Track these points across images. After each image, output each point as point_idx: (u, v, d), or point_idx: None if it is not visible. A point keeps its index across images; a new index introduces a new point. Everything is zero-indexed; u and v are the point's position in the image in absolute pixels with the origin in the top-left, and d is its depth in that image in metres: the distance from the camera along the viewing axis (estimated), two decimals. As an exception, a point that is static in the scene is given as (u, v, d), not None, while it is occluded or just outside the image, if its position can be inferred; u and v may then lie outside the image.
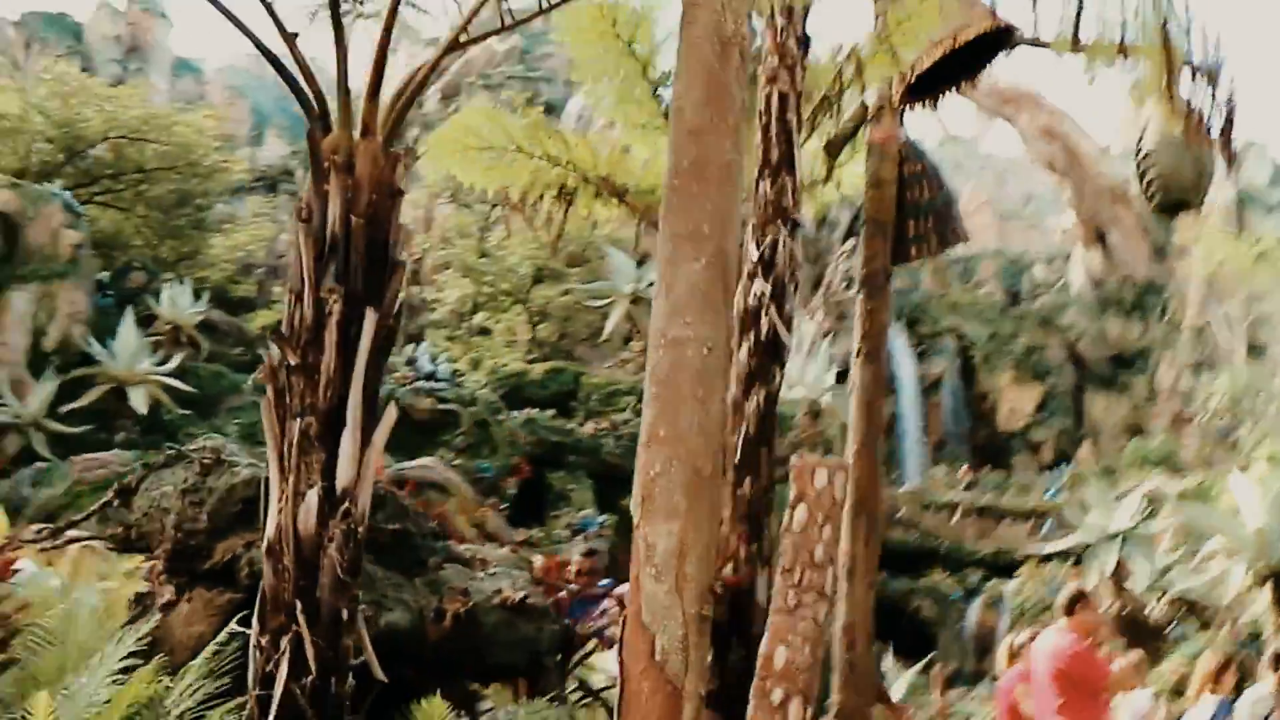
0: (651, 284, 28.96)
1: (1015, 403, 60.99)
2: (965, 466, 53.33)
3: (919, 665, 22.74)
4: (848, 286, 44.18)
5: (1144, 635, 24.34)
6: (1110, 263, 65.35)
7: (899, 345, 62.61)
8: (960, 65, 9.01)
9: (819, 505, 4.00)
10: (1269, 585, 16.94)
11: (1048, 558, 32.79)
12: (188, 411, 26.44)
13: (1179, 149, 10.00)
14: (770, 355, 7.58)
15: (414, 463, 25.96)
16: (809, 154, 10.26)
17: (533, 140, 10.60)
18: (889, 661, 23.35)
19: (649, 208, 10.16)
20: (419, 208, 47.26)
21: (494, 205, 39.50)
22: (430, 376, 29.39)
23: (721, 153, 3.95)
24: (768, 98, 8.67)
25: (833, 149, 9.72)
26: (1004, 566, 37.00)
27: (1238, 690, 11.38)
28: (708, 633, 3.78)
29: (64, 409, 28.26)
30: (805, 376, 35.30)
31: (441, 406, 28.54)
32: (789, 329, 7.85)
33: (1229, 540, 17.61)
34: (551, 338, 39.87)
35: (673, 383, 3.90)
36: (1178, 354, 60.18)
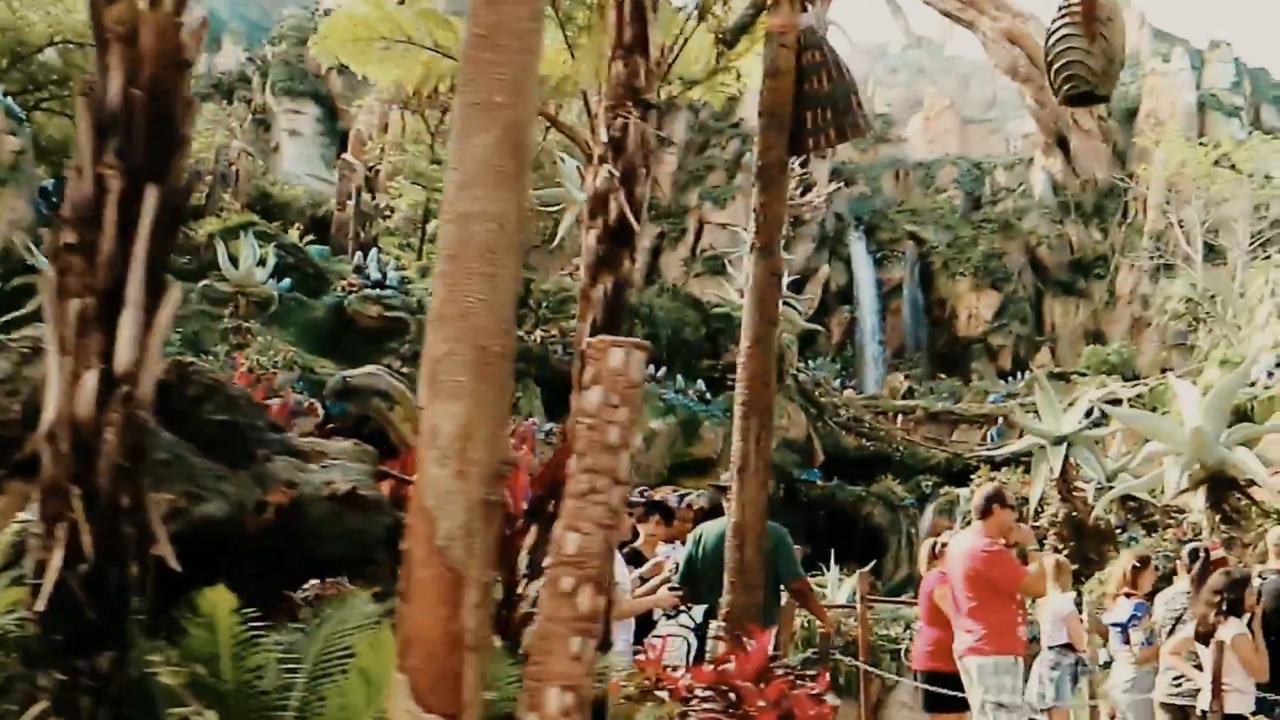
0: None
1: (974, 309, 60.98)
2: (902, 375, 53.46)
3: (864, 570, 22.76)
4: (801, 192, 43.78)
5: (1094, 538, 24.36)
6: (1071, 168, 65.13)
7: (857, 252, 62.61)
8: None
9: (614, 386, 3.74)
10: (1204, 488, 16.93)
11: (1001, 463, 32.83)
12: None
13: (1089, 36, 9.74)
14: (619, 241, 7.27)
15: (358, 370, 25.43)
16: (705, 43, 9.88)
17: (422, 30, 10.11)
18: (832, 567, 23.31)
19: (545, 101, 9.75)
20: (372, 113, 46.65)
21: (444, 111, 38.92)
22: (378, 284, 28.94)
23: (518, 19, 3.65)
24: (617, -26, 8.33)
25: (728, 38, 9.34)
26: (958, 473, 37.04)
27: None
28: (496, 518, 3.54)
29: (5, 318, 27.81)
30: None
31: (389, 314, 28.14)
32: (638, 216, 7.54)
33: (1167, 442, 17.55)
34: (507, 245, 39.37)
35: (460, 259, 3.64)
36: (1137, 259, 60.19)
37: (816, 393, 41.18)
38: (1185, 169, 52.75)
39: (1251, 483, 16.86)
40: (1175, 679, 9.95)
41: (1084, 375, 45.95)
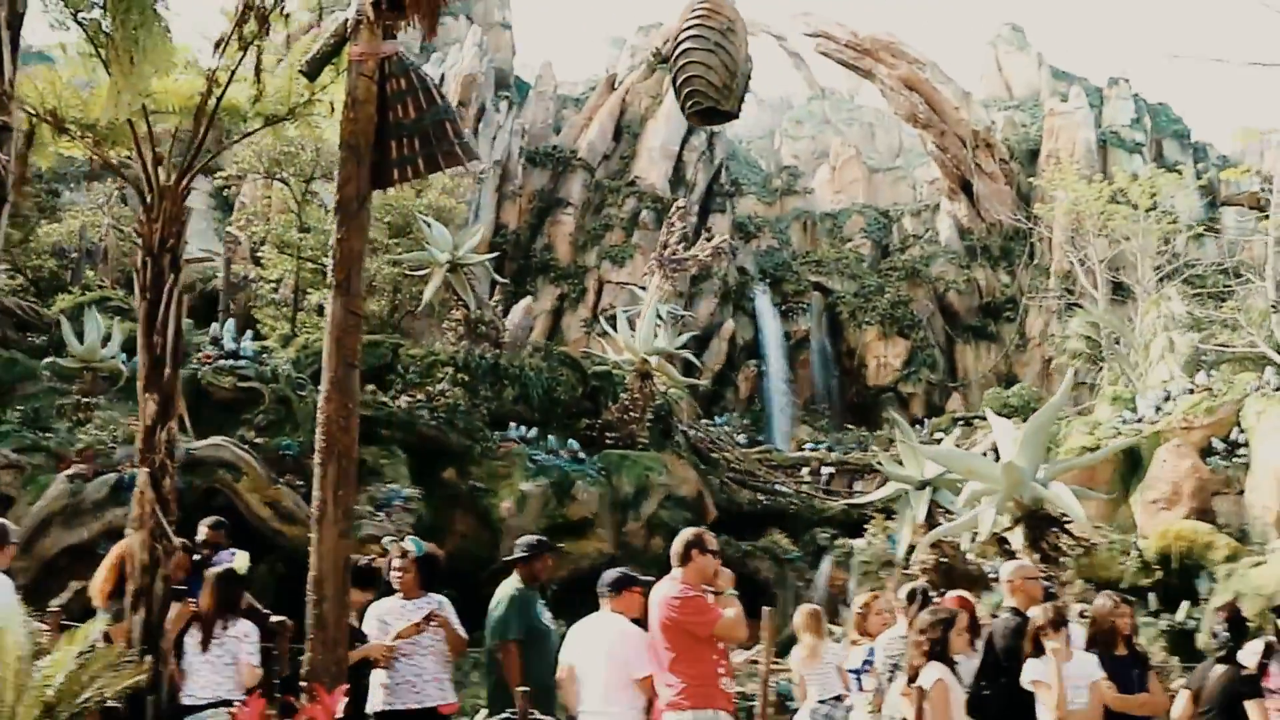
0: (473, 251, 27.71)
1: (883, 357, 60.77)
2: (803, 430, 53.16)
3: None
4: (685, 246, 43.40)
5: (965, 582, 23.83)
6: (976, 211, 65.29)
7: (763, 304, 62.38)
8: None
9: None
10: (1021, 525, 16.41)
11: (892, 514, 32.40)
12: (-33, 399, 25.30)
13: (710, 49, 9.34)
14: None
15: (203, 442, 24.90)
16: (285, 75, 9.39)
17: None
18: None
19: (99, 141, 9.19)
20: (255, 184, 45.96)
21: (309, 179, 38.36)
22: (233, 355, 28.23)
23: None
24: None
25: (311, 69, 8.80)
26: (855, 523, 36.54)
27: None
28: None
29: None
30: (637, 339, 34.47)
31: (243, 384, 27.42)
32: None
33: (983, 481, 17.03)
34: (382, 311, 38.82)
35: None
36: (1045, 300, 60.26)
37: (708, 449, 40.58)
38: (1080, 207, 52.81)
39: (1067, 519, 16.36)
40: (902, 723, 9.35)
41: (984, 419, 45.62)
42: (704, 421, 49.20)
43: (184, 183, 8.52)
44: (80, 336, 26.89)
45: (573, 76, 78.82)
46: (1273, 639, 9.89)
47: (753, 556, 33.99)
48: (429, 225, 34.51)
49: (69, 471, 22.43)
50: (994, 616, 9.84)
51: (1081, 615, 12.43)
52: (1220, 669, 9.59)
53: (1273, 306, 41.24)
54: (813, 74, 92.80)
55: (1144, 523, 29.48)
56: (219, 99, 8.54)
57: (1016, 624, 9.72)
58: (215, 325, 30.77)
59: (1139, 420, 34.48)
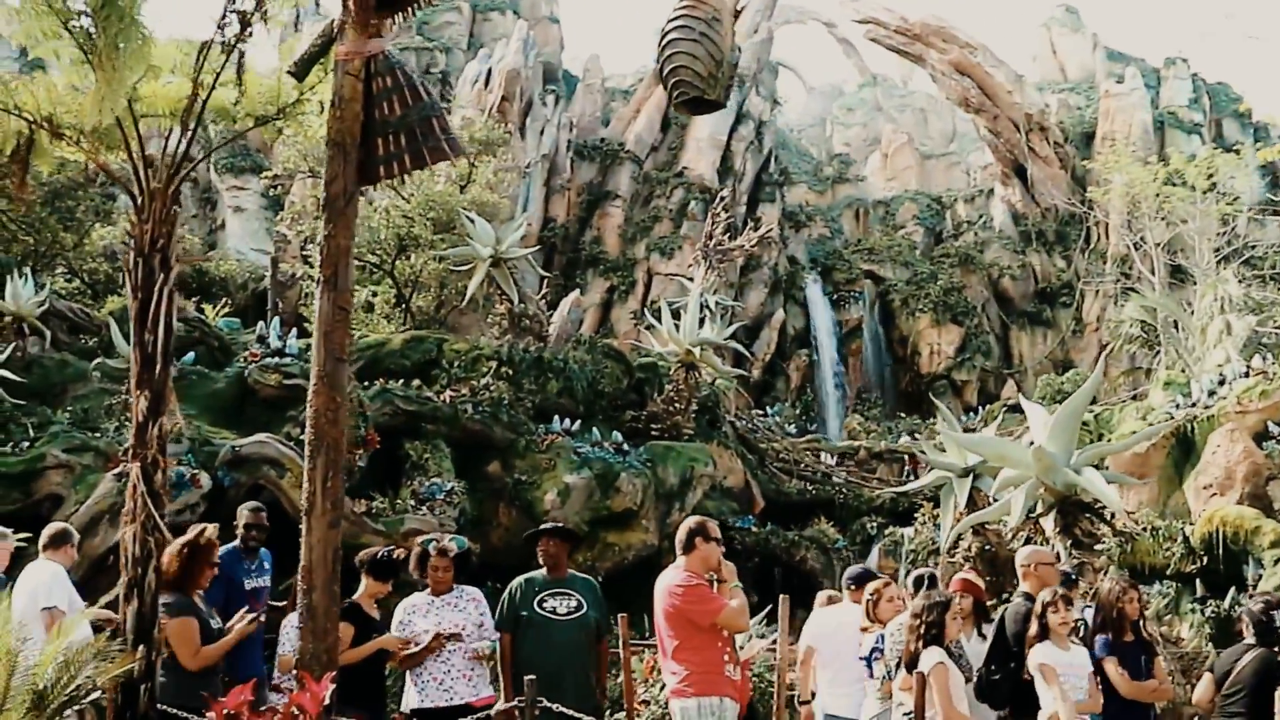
0: (512, 246, 27.78)
1: (936, 345, 60.34)
2: (855, 419, 52.87)
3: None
4: (730, 236, 43.33)
5: (1010, 570, 23.71)
6: (1031, 196, 64.73)
7: (814, 293, 62.16)
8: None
9: None
10: (1054, 512, 16.26)
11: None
12: (21, 401, 25.65)
13: (695, 39, 9.16)
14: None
15: (248, 439, 25.21)
16: (273, 79, 9.51)
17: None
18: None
19: (95, 148, 9.30)
20: (305, 184, 46.27)
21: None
22: (278, 353, 28.48)
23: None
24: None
25: (299, 70, 8.91)
26: (903, 512, 36.39)
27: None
28: None
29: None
30: (682, 330, 34.48)
31: (288, 382, 27.61)
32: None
33: (1015, 467, 16.88)
34: (429, 307, 39.01)
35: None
36: (1102, 285, 59.68)
37: (755, 439, 40.53)
38: (1136, 190, 52.28)
39: (1101, 505, 16.20)
40: (906, 713, 9.33)
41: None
42: (754, 412, 49.15)
43: (173, 185, 8.62)
44: (128, 338, 27.10)
45: (621, 69, 78.90)
46: None
47: (799, 546, 33.90)
48: (471, 220, 34.62)
49: (116, 470, 22.67)
50: (1005, 602, 9.80)
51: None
52: (1254, 654, 9.49)
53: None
54: (863, 60, 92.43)
55: (1196, 509, 29.07)
56: (204, 102, 8.63)
57: (1027, 609, 9.70)
58: (261, 324, 31.04)
59: (1193, 404, 34.04)
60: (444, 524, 25.77)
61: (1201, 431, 31.90)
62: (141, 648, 7.91)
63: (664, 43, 8.09)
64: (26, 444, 23.35)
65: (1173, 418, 33.14)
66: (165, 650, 8.44)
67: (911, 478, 37.47)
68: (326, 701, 6.04)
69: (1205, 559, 23.37)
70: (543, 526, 10.95)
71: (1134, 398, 43.08)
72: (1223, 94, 69.52)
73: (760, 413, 49.99)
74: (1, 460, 22.79)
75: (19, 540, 12.28)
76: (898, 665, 9.34)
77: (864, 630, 10.70)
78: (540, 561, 10.51)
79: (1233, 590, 22.43)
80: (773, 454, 40.20)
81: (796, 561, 33.45)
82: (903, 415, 54.09)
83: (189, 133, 8.70)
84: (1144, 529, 24.01)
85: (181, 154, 8.63)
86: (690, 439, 33.77)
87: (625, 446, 31.35)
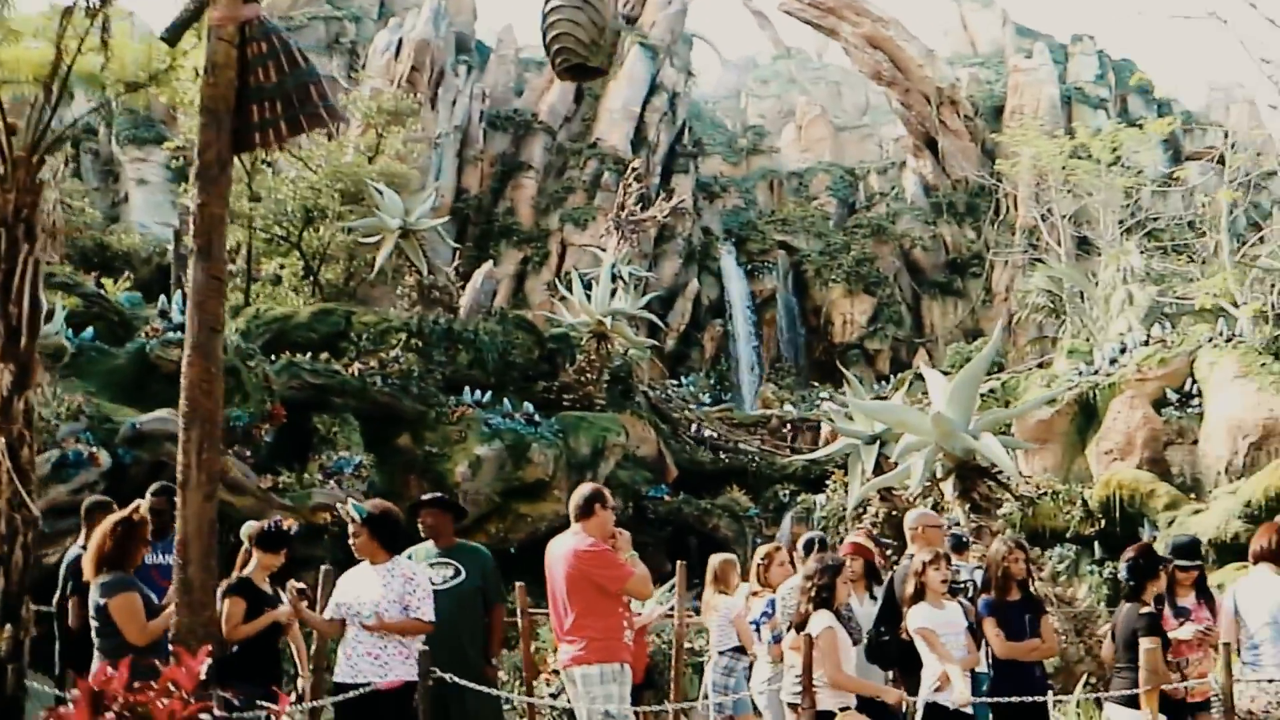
0: (422, 217, 27.56)
1: (849, 314, 60.87)
2: (768, 388, 53.26)
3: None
4: (642, 207, 43.34)
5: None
6: (942, 168, 65.28)
7: (728, 264, 62.38)
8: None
9: None
10: (952, 477, 16.44)
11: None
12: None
13: (578, 5, 9.12)
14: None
15: (149, 416, 24.79)
16: (144, 41, 9.37)
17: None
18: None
19: None
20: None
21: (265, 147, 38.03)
22: (180, 327, 27.99)
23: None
24: None
25: (171, 35, 8.76)
26: (815, 479, 36.66)
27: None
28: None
29: None
30: (593, 300, 34.50)
31: (191, 356, 27.23)
32: None
33: (915, 433, 17.05)
34: (338, 280, 38.63)
35: None
36: (1011, 256, 60.33)
37: (669, 408, 40.64)
38: (1042, 163, 52.87)
39: (997, 469, 16.40)
40: (797, 675, 9.39)
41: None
42: (669, 381, 49.26)
43: (37, 153, 8.44)
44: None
45: (534, 40, 78.43)
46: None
47: (711, 514, 34.16)
48: (380, 192, 34.39)
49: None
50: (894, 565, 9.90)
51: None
52: (1123, 608, 9.66)
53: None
54: (778, 33, 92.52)
55: (1098, 474, 29.66)
56: (69, 68, 8.46)
57: (913, 571, 9.77)
58: (163, 298, 30.56)
59: (1094, 372, 34.60)
60: (352, 498, 25.46)
61: (1103, 398, 32.49)
62: (9, 627, 7.78)
63: (547, 9, 8.06)
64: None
65: (1075, 385, 33.70)
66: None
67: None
68: (203, 676, 5.95)
69: (1103, 522, 23.90)
70: (422, 498, 10.83)
71: (1040, 366, 43.64)
72: (1128, 70, 70.35)
73: (675, 382, 50.13)
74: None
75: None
76: (789, 628, 9.39)
77: (754, 595, 10.78)
78: (422, 534, 10.39)
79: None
80: (685, 423, 40.33)
81: (709, 529, 33.67)
82: (816, 384, 54.39)
83: (54, 99, 8.52)
84: (1044, 493, 24.46)
85: (46, 121, 8.45)
86: (603, 409, 33.85)
87: (536, 417, 31.32)
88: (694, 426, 40.59)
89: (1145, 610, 9.35)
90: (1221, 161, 52.03)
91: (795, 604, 9.32)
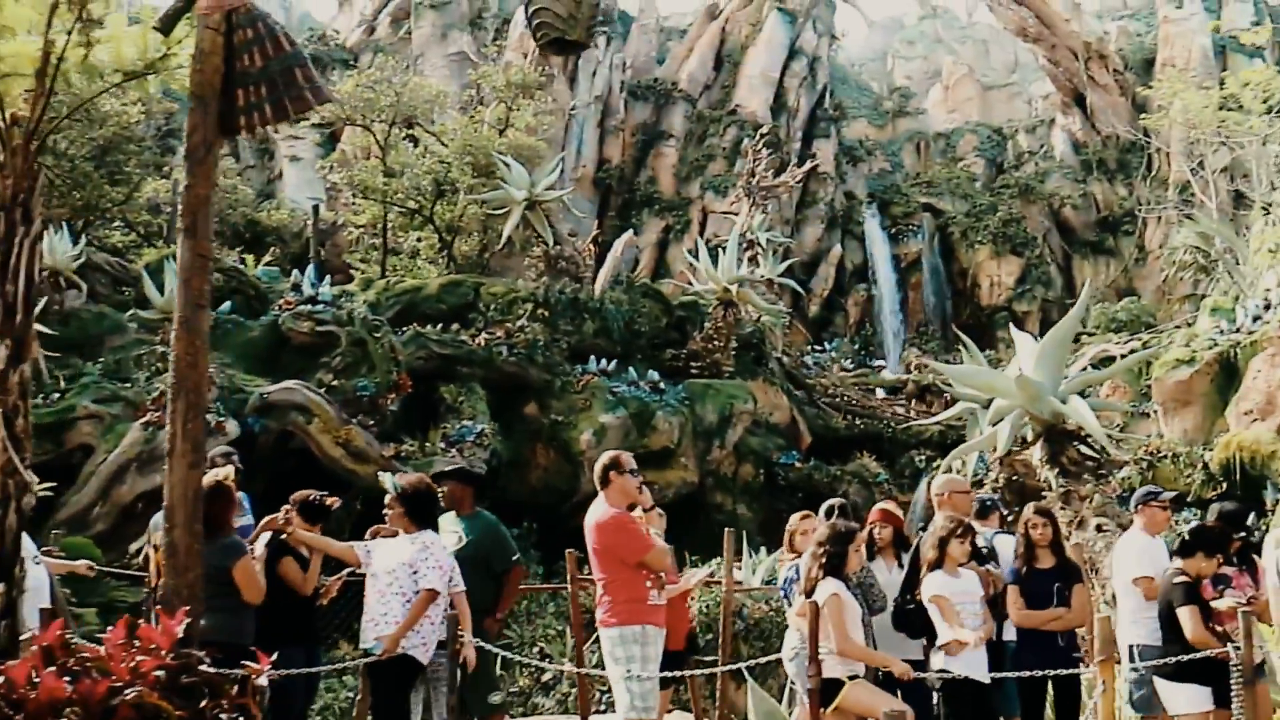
0: (550, 188, 27.97)
1: (996, 276, 59.90)
2: (913, 352, 52.63)
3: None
4: (777, 173, 43.22)
5: (1036, 498, 23.74)
6: (1091, 125, 63.76)
7: (871, 228, 61.83)
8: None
9: None
10: (1040, 441, 16.26)
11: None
12: (56, 353, 26.15)
13: None
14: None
15: (276, 386, 25.63)
16: (136, 36, 9.65)
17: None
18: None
19: None
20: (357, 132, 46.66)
21: (391, 124, 38.96)
22: (311, 300, 28.85)
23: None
24: None
25: (164, 24, 9.06)
26: (952, 445, 36.26)
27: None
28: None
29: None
30: (720, 267, 34.54)
31: (320, 329, 28.00)
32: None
33: (1002, 396, 16.87)
34: (472, 252, 39.32)
35: None
36: (1164, 212, 58.73)
37: (804, 375, 40.51)
38: (1193, 115, 51.30)
39: (1086, 433, 16.16)
40: (802, 641, 9.49)
41: (1091, 335, 44.80)
42: (812, 347, 49.11)
43: (34, 142, 8.84)
44: (161, 288, 27.59)
45: (677, 8, 78.43)
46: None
47: (841, 481, 34.01)
48: (506, 164, 34.87)
49: (144, 419, 23.15)
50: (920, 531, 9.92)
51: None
52: (1168, 573, 9.58)
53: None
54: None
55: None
56: (59, 60, 8.83)
57: (939, 538, 9.77)
58: (296, 272, 31.48)
59: (1236, 330, 33.60)
60: (474, 466, 26.02)
61: (1244, 357, 31.53)
62: (1, 585, 8.17)
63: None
64: (58, 395, 23.82)
65: (1216, 344, 32.77)
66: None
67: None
68: (180, 635, 6.27)
69: (1224, 484, 23.27)
70: (443, 469, 11.25)
71: (1188, 324, 42.52)
72: (1286, 15, 67.75)
73: (819, 348, 49.87)
74: (33, 412, 23.27)
75: (44, 490, 12.54)
76: (800, 594, 9.50)
77: (782, 561, 10.88)
78: (444, 505, 10.79)
79: (1251, 516, 22.34)
80: (821, 389, 40.17)
81: (840, 496, 33.51)
82: (961, 349, 53.66)
83: (46, 89, 8.88)
84: (1164, 455, 23.92)
85: (40, 112, 8.83)
86: (731, 376, 33.90)
87: (662, 385, 31.53)
88: (830, 392, 40.37)
89: (1180, 580, 9.26)
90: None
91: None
